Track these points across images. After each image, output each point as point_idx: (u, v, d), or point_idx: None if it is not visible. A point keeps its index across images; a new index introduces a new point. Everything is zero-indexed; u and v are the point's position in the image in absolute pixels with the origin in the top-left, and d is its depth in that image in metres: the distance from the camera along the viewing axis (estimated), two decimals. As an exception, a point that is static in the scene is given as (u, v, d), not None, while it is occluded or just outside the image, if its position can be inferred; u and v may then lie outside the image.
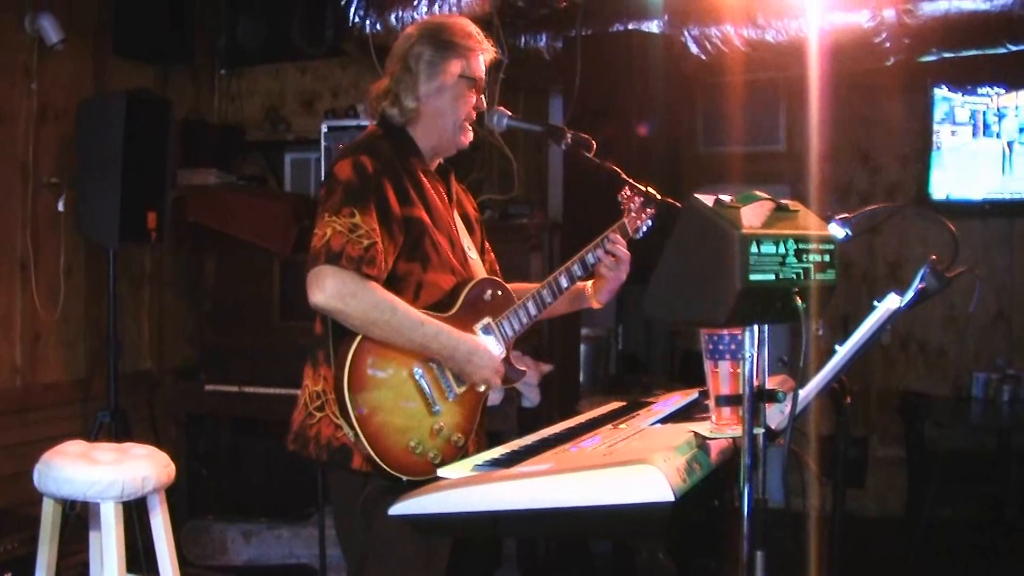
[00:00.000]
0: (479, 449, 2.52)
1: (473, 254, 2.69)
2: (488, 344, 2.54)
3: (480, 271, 2.68)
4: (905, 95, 6.04)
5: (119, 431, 4.31)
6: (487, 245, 2.89)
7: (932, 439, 5.54)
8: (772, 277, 1.68)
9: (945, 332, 6.10)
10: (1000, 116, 5.75)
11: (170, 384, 5.25)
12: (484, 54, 2.63)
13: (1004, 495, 5.27)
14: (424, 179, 2.56)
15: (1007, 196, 5.78)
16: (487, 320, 2.57)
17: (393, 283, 2.44)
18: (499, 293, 2.62)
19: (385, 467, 2.34)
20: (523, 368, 2.65)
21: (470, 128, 2.63)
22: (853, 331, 1.92)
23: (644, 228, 2.72)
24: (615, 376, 5.48)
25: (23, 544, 3.99)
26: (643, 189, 2.63)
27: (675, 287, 1.73)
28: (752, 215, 1.71)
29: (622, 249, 2.65)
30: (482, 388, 2.51)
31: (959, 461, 5.37)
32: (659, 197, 2.63)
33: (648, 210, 2.71)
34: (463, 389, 2.49)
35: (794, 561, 2.32)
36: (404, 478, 2.34)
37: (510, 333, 2.60)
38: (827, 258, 1.80)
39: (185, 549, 4.63)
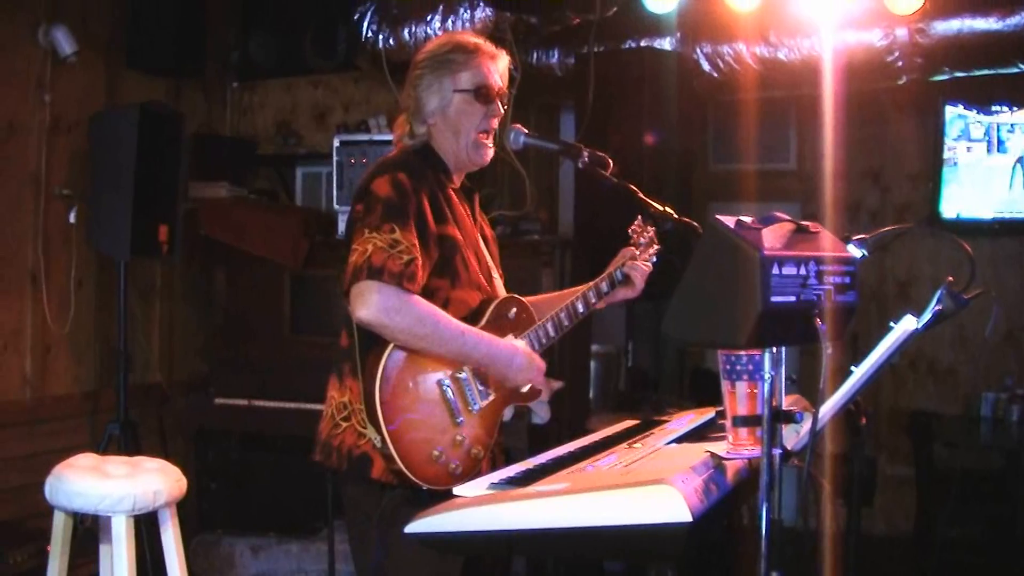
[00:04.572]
0: (493, 465, 2.54)
1: (496, 273, 2.74)
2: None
3: (503, 290, 2.72)
4: (916, 114, 6.05)
5: (128, 444, 4.30)
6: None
7: (941, 458, 5.52)
8: (793, 299, 1.68)
9: (955, 351, 6.08)
10: (1012, 132, 5.74)
11: (180, 397, 5.24)
12: (492, 61, 2.62)
13: (1013, 515, 5.24)
14: (453, 197, 2.60)
15: (1017, 215, 5.77)
16: (510, 338, 2.60)
17: (423, 297, 2.46)
18: (522, 312, 2.68)
19: (409, 475, 2.35)
20: (539, 388, 2.67)
21: (488, 143, 2.62)
22: (862, 350, 1.91)
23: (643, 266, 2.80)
24: (625, 393, 5.46)
25: (32, 557, 3.98)
26: (661, 209, 2.63)
27: (695, 307, 1.73)
28: (773, 236, 1.70)
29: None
30: (525, 389, 2.58)
31: (968, 480, 5.35)
32: (676, 216, 2.62)
33: (652, 248, 2.83)
34: (487, 402, 2.52)
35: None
36: (425, 487, 2.35)
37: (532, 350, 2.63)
38: (847, 280, 1.80)
39: (194, 563, 4.61)
